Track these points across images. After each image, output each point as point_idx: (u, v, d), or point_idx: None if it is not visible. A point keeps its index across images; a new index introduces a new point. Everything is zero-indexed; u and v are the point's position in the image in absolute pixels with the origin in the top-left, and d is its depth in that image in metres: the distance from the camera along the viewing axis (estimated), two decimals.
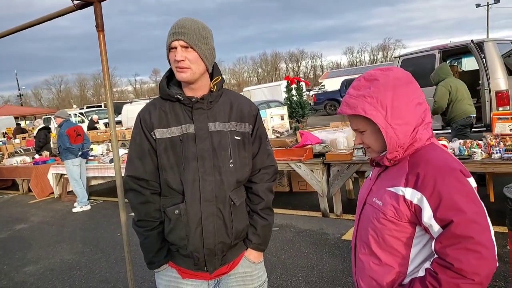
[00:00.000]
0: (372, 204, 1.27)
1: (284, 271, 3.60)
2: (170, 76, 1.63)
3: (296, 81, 15.98)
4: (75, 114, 24.43)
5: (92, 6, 2.37)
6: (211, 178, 1.55)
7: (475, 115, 5.58)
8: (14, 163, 9.29)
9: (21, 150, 12.25)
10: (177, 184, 1.55)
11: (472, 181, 1.15)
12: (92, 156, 7.81)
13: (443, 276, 1.06)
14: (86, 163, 7.41)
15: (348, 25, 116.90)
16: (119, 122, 17.90)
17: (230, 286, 1.69)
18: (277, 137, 7.55)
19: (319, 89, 34.40)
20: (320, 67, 77.64)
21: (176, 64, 1.52)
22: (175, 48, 1.50)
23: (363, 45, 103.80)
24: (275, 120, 8.39)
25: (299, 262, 3.76)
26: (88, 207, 7.02)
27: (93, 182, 8.20)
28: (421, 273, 1.15)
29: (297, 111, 15.22)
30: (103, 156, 7.70)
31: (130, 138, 1.71)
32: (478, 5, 35.67)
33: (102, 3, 2.39)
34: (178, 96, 1.57)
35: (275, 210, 5.88)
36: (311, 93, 27.70)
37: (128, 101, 26.80)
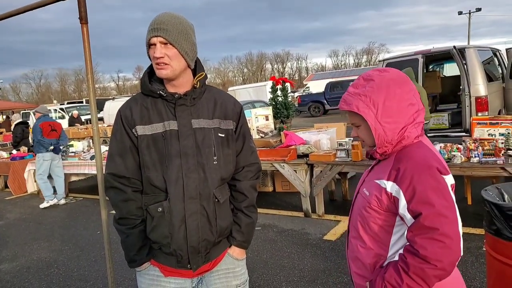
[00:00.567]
0: (362, 194, 1.40)
1: (266, 270, 3.61)
2: (152, 71, 1.59)
3: (281, 81, 16.04)
4: (56, 110, 23.89)
5: None
6: (195, 176, 1.53)
7: (427, 122, 5.80)
8: None
9: None
10: (160, 182, 1.53)
11: (449, 178, 1.26)
12: (72, 152, 7.67)
13: (411, 261, 1.19)
14: (65, 159, 7.31)
15: (334, 28, 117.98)
16: (101, 119, 17.61)
17: (213, 283, 1.67)
18: (262, 137, 7.54)
19: (303, 90, 34.59)
20: (305, 69, 78.10)
21: (155, 61, 1.49)
22: (154, 44, 1.47)
23: (348, 48, 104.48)
24: (259, 120, 8.39)
25: (280, 261, 3.77)
26: (55, 201, 6.99)
27: (74, 179, 8.06)
28: (396, 257, 1.29)
29: (281, 111, 15.25)
30: (84, 152, 7.56)
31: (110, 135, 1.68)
32: (460, 13, 36.59)
33: None
34: (161, 92, 1.54)
35: (259, 210, 5.88)
36: (296, 94, 27.82)
37: (110, 97, 26.36)
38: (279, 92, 15.55)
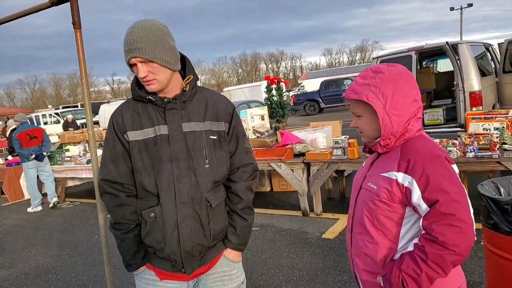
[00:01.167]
0: (367, 188, 1.40)
1: (265, 271, 3.61)
2: None
3: (276, 81, 16.05)
4: (51, 115, 23.81)
5: (69, 2, 2.31)
6: (186, 180, 1.52)
7: None
8: None
9: None
10: (152, 187, 1.53)
11: (455, 167, 1.30)
12: (68, 157, 7.64)
13: (430, 249, 1.21)
14: (53, 164, 7.41)
15: (327, 26, 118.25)
16: (97, 123, 17.53)
17: (209, 286, 1.66)
18: (258, 137, 7.54)
19: (298, 89, 34.63)
20: (300, 68, 78.22)
21: (141, 79, 1.49)
22: (135, 64, 1.46)
23: (341, 47, 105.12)
24: (255, 120, 8.39)
25: (279, 261, 3.78)
26: (39, 208, 7.12)
27: (70, 184, 8.04)
28: (410, 248, 1.30)
29: (277, 111, 15.27)
30: (80, 157, 7.53)
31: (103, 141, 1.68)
32: (452, 8, 36.84)
33: None
34: (150, 97, 1.53)
35: (256, 210, 5.85)
36: (291, 93, 27.84)
37: (105, 101, 26.28)
38: (274, 92, 15.57)
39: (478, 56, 7.27)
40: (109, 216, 1.64)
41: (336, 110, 20.67)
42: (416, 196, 1.25)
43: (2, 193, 8.57)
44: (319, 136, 5.20)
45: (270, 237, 4.43)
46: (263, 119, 8.64)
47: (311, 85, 33.62)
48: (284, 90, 16.63)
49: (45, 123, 22.23)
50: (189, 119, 1.56)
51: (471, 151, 3.91)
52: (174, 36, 1.56)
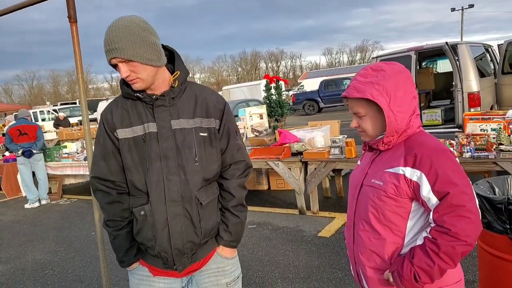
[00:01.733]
0: (371, 185, 1.40)
1: (261, 268, 3.62)
2: None
3: (275, 80, 16.04)
4: (49, 111, 23.79)
5: None
6: (176, 178, 1.50)
7: None
8: None
9: None
10: (142, 185, 1.52)
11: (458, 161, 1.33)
12: (66, 153, 7.64)
13: (441, 241, 1.23)
14: (50, 160, 7.42)
15: (328, 26, 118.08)
16: (95, 120, 17.52)
17: (202, 282, 1.66)
18: (256, 135, 7.55)
19: (298, 89, 34.63)
20: (300, 67, 78.12)
21: (124, 78, 1.48)
22: (116, 65, 1.45)
23: (341, 46, 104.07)
24: (254, 118, 8.40)
25: (275, 258, 3.79)
26: (36, 204, 7.13)
27: (71, 181, 8.09)
28: (419, 242, 1.30)
29: (276, 110, 15.29)
30: (78, 153, 7.53)
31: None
32: (453, 9, 36.75)
33: None
34: (138, 94, 1.52)
35: (253, 208, 5.86)
36: (290, 93, 27.85)
37: (103, 98, 26.23)
38: (273, 91, 15.57)
39: (478, 57, 7.27)
40: None
41: (335, 110, 20.68)
42: (426, 190, 1.26)
43: (0, 189, 8.57)
44: (317, 135, 5.21)
45: (267, 234, 4.44)
46: (261, 118, 8.64)
47: (311, 84, 33.58)
48: (283, 89, 16.63)
49: (43, 120, 22.22)
50: (179, 116, 1.53)
51: (468, 151, 3.92)
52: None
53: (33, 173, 7.30)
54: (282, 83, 16.48)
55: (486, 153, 3.83)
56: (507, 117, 4.39)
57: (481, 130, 4.48)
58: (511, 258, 2.04)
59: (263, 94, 16.31)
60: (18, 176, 7.97)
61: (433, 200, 1.26)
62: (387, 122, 1.33)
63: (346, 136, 4.86)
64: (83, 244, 4.84)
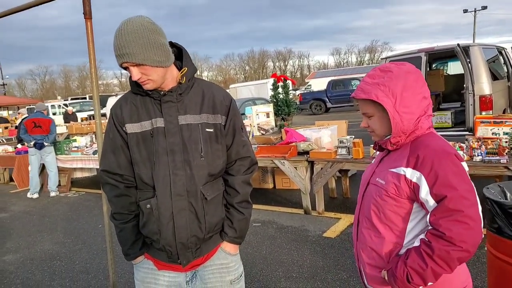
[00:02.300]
0: (375, 183, 1.42)
1: (265, 266, 3.62)
2: None
3: (282, 79, 16.02)
4: (59, 106, 24.05)
5: None
6: (181, 173, 1.52)
7: None
8: None
9: (3, 139, 12.00)
10: (149, 179, 1.55)
11: (465, 165, 1.30)
12: (75, 147, 7.73)
13: (436, 244, 1.22)
14: (60, 154, 7.53)
15: (337, 26, 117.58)
16: (104, 115, 17.66)
17: (206, 277, 1.67)
18: (262, 134, 7.56)
19: (305, 88, 34.53)
20: (307, 67, 77.86)
21: (136, 80, 1.50)
22: (127, 68, 1.48)
23: (350, 47, 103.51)
24: (260, 117, 8.40)
25: (280, 257, 3.79)
26: (36, 195, 7.35)
27: (78, 175, 8.19)
28: (416, 243, 1.30)
29: (282, 109, 15.27)
30: (87, 147, 7.61)
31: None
32: (465, 11, 36.29)
33: None
34: (147, 90, 1.54)
35: (258, 206, 5.85)
36: (297, 92, 27.78)
37: (113, 94, 26.41)
38: (280, 90, 15.55)
39: (490, 59, 7.16)
40: None
41: (342, 110, 20.57)
42: (424, 191, 1.26)
43: (11, 180, 8.70)
44: (324, 135, 5.19)
45: (271, 233, 4.44)
46: (268, 117, 8.64)
47: (318, 84, 33.47)
48: (290, 88, 16.59)
49: (54, 114, 22.45)
50: (186, 112, 1.56)
51: (478, 155, 3.88)
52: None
53: (42, 167, 7.44)
54: (289, 82, 16.45)
55: (497, 157, 3.78)
56: None
57: (492, 133, 4.43)
58: None
59: (270, 92, 16.30)
60: (29, 168, 8.10)
61: (431, 203, 1.25)
62: (392, 123, 1.33)
63: (353, 136, 4.83)
64: (90, 237, 4.89)
